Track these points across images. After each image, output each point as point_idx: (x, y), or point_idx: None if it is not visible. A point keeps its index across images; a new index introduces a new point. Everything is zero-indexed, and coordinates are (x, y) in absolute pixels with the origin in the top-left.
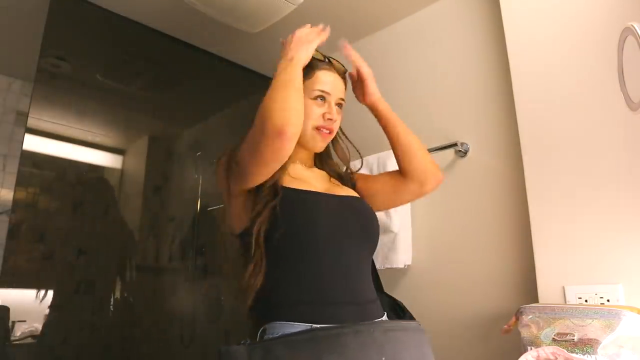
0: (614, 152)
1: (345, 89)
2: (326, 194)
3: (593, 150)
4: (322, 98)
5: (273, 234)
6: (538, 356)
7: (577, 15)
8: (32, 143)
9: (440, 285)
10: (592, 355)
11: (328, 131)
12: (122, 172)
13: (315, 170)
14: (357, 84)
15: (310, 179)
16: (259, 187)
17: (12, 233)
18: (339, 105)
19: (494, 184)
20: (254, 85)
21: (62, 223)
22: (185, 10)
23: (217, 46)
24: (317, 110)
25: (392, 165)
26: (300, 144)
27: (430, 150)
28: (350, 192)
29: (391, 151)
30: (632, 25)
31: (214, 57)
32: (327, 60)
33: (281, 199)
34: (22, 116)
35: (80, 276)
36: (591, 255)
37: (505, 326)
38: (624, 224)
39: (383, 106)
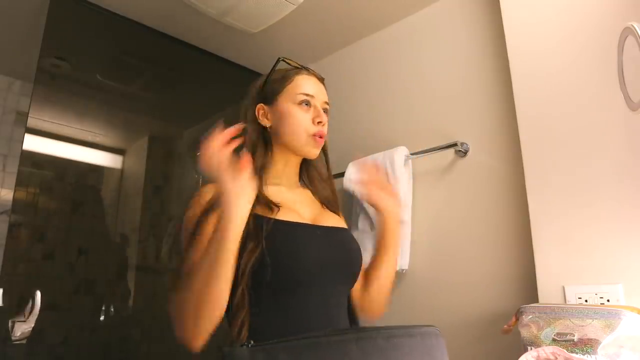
0: (614, 152)
1: (326, 93)
2: (312, 225)
3: (593, 150)
4: (307, 103)
5: (259, 269)
6: (538, 356)
7: (577, 15)
8: (32, 143)
9: (440, 285)
10: (592, 355)
11: (320, 136)
12: (122, 172)
13: (300, 191)
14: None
15: (295, 205)
16: None
17: (12, 233)
18: (325, 110)
19: (494, 183)
20: None
21: (62, 223)
22: (185, 10)
23: (217, 46)
24: (305, 116)
25: (399, 161)
26: (291, 151)
27: (430, 150)
28: (338, 222)
29: (398, 148)
30: (632, 25)
31: (214, 57)
32: (303, 67)
33: (268, 234)
34: (22, 116)
35: (80, 276)
36: (591, 255)
37: (505, 326)
38: (624, 224)
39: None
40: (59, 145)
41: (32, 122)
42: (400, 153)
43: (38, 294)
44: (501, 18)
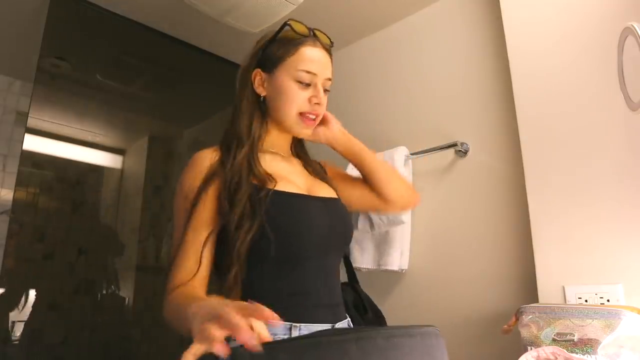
0: (614, 152)
1: (332, 64)
2: (311, 197)
3: (593, 150)
4: (307, 81)
5: (259, 246)
6: (538, 356)
7: (577, 15)
8: (32, 143)
9: (440, 285)
10: (592, 355)
11: (314, 117)
12: (122, 172)
13: (293, 161)
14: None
15: (290, 175)
16: (238, 185)
17: (12, 233)
18: (326, 87)
19: (494, 184)
20: None
21: (62, 223)
22: (186, 10)
23: (217, 46)
24: (301, 94)
25: (400, 161)
26: (281, 130)
27: (430, 150)
28: (330, 192)
29: (398, 148)
30: (632, 25)
31: (213, 57)
32: (312, 33)
33: (268, 208)
34: (22, 116)
35: (80, 276)
36: (591, 255)
37: (505, 326)
38: (624, 224)
39: (353, 143)
40: (59, 145)
41: (32, 122)
42: (400, 153)
43: (32, 292)
44: (501, 18)
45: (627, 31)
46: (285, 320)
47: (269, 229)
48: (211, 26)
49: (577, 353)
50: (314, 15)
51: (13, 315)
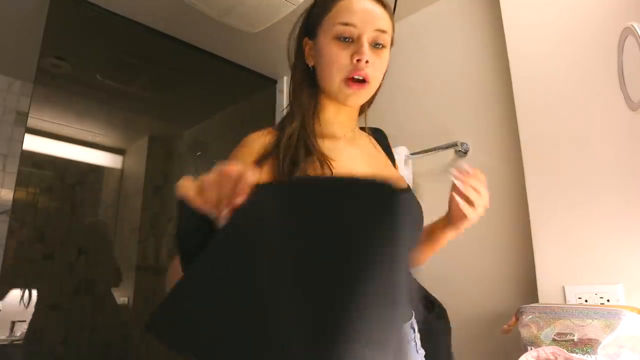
0: (614, 152)
1: (391, 20)
2: None
3: (593, 150)
4: (347, 35)
5: None
6: (538, 356)
7: (577, 15)
8: (32, 143)
9: (440, 285)
10: (592, 355)
11: (362, 79)
12: (122, 172)
13: (362, 143)
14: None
15: (349, 162)
16: (291, 165)
17: (12, 233)
18: (378, 41)
19: (494, 184)
20: (254, 85)
21: (62, 223)
22: (185, 10)
23: (217, 46)
24: (342, 55)
25: (400, 161)
26: (337, 103)
27: (430, 150)
28: (402, 181)
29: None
30: (632, 25)
31: (214, 57)
32: None
33: None
34: (22, 116)
35: (80, 276)
36: (591, 255)
37: (505, 326)
38: (624, 224)
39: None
40: (59, 145)
41: (32, 122)
42: (400, 153)
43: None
44: (501, 18)
45: (627, 31)
46: None
47: None
48: (211, 26)
49: (577, 353)
50: None
51: (13, 315)
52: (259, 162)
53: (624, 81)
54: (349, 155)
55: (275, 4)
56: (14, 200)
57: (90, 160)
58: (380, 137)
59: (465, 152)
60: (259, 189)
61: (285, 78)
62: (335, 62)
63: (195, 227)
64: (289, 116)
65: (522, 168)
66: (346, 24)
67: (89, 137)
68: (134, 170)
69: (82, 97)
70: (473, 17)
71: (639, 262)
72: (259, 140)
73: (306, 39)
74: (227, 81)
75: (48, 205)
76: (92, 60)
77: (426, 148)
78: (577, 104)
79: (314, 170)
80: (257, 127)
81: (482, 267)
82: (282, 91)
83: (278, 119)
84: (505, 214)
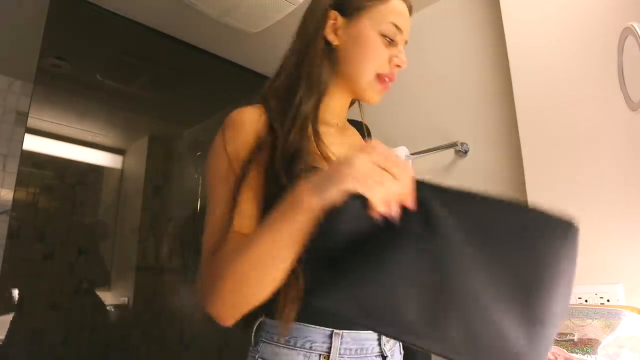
0: (613, 152)
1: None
2: None
3: (593, 150)
4: (392, 38)
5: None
6: None
7: (577, 15)
8: (32, 143)
9: None
10: (592, 355)
11: (389, 81)
12: (122, 172)
13: (348, 132)
14: None
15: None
16: (294, 155)
17: (12, 233)
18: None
19: (494, 184)
20: (254, 85)
21: (62, 223)
22: (185, 10)
23: (217, 46)
24: (384, 52)
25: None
26: (345, 91)
27: (430, 150)
28: None
29: (398, 148)
30: (632, 25)
31: (214, 57)
32: None
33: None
34: (22, 116)
35: (80, 276)
36: (591, 255)
37: None
38: (624, 224)
39: None
40: (59, 145)
41: (32, 122)
42: (400, 153)
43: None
44: (501, 18)
45: (627, 31)
46: (327, 326)
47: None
48: (211, 26)
49: (577, 353)
50: None
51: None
52: (257, 147)
53: (624, 81)
54: (340, 144)
55: (275, 4)
56: (14, 200)
57: (90, 160)
58: (361, 129)
59: (465, 152)
60: (420, 187)
61: None
62: (377, 57)
63: (356, 229)
64: (296, 89)
65: (522, 168)
66: (397, 27)
67: (89, 137)
68: (134, 170)
69: (82, 97)
70: (473, 17)
71: (639, 262)
72: (253, 121)
73: (336, 12)
74: (227, 81)
75: (48, 205)
76: (92, 60)
77: (426, 148)
78: (578, 104)
79: (313, 160)
80: None
81: None
82: None
83: None
84: None
